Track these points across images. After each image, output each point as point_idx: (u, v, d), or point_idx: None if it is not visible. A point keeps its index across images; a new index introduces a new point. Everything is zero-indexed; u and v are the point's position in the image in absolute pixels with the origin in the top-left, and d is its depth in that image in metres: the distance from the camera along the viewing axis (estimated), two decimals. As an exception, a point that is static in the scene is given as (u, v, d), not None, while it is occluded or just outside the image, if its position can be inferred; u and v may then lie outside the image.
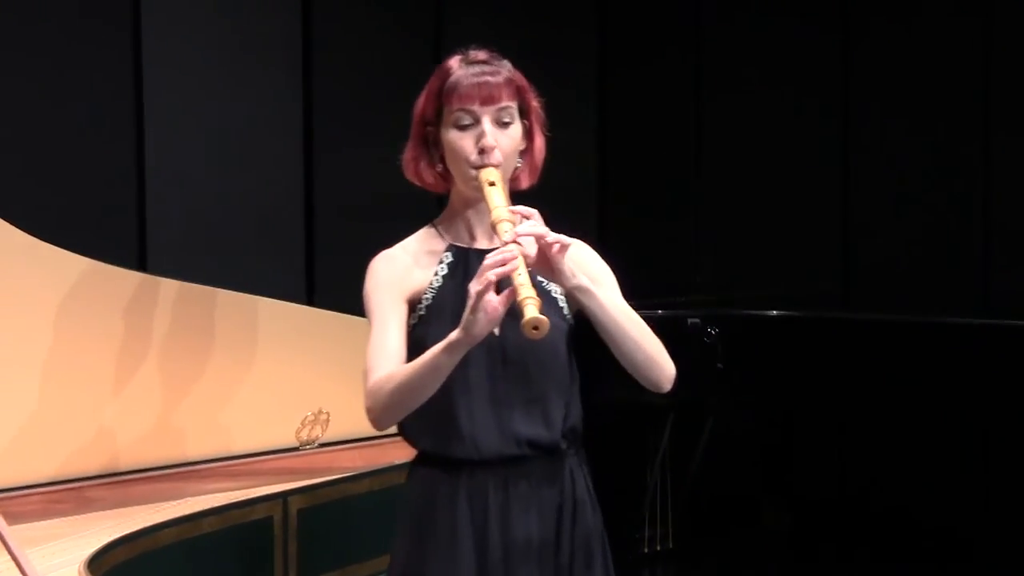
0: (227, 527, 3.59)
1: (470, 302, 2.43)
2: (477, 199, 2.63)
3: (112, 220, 5.07)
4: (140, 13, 5.09)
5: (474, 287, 2.43)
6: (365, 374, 2.59)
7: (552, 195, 7.13)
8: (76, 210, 4.91)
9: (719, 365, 5.14)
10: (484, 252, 2.57)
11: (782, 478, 6.29)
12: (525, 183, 2.73)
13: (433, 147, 2.67)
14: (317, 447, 4.27)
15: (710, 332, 5.14)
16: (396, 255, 2.70)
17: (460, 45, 2.74)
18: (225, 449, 4.16)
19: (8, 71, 4.79)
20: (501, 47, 6.07)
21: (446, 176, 2.68)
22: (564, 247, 2.50)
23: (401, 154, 2.71)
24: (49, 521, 3.48)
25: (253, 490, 3.79)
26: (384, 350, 2.59)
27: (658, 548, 5.88)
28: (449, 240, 2.70)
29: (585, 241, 2.71)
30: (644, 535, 5.86)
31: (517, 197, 2.66)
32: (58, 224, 4.52)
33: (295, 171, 5.53)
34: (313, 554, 3.79)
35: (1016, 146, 5.81)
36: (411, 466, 2.73)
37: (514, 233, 2.47)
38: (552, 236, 2.50)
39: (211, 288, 4.15)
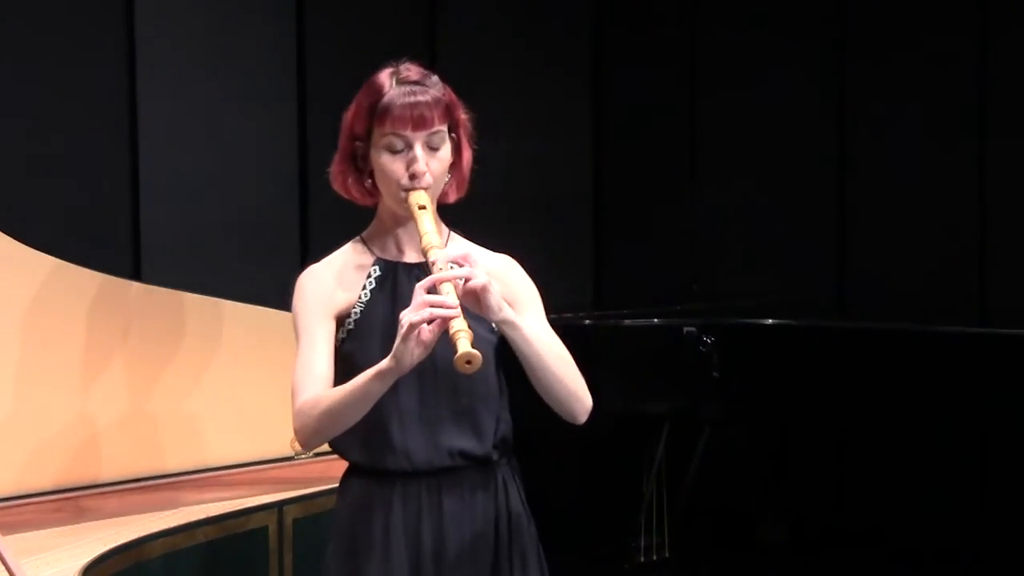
0: (222, 537, 3.59)
1: (401, 331, 2.42)
2: (407, 216, 2.63)
3: (106, 229, 5.06)
4: (134, 19, 5.09)
5: (408, 318, 2.42)
6: (292, 393, 2.61)
7: (548, 203, 7.14)
8: (70, 219, 4.90)
9: (715, 374, 5.13)
10: (413, 266, 2.62)
11: (778, 488, 6.29)
12: (453, 197, 2.73)
13: (361, 161, 2.67)
14: (312, 456, 4.26)
15: (706, 341, 5.13)
16: (322, 271, 2.71)
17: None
18: (220, 459, 4.15)
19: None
20: (495, 55, 6.11)
21: (374, 191, 2.68)
22: (487, 289, 2.49)
23: (328, 166, 2.72)
24: (44, 531, 3.48)
25: (248, 500, 3.79)
26: (311, 370, 2.60)
27: (654, 558, 5.88)
28: (377, 254, 2.70)
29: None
30: (640, 544, 5.85)
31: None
32: (53, 234, 4.53)
33: (290, 178, 5.52)
34: (308, 564, 3.78)
35: (1012, 153, 5.80)
36: (342, 478, 2.75)
37: (445, 265, 2.47)
38: (477, 280, 2.48)
39: (208, 297, 4.15)
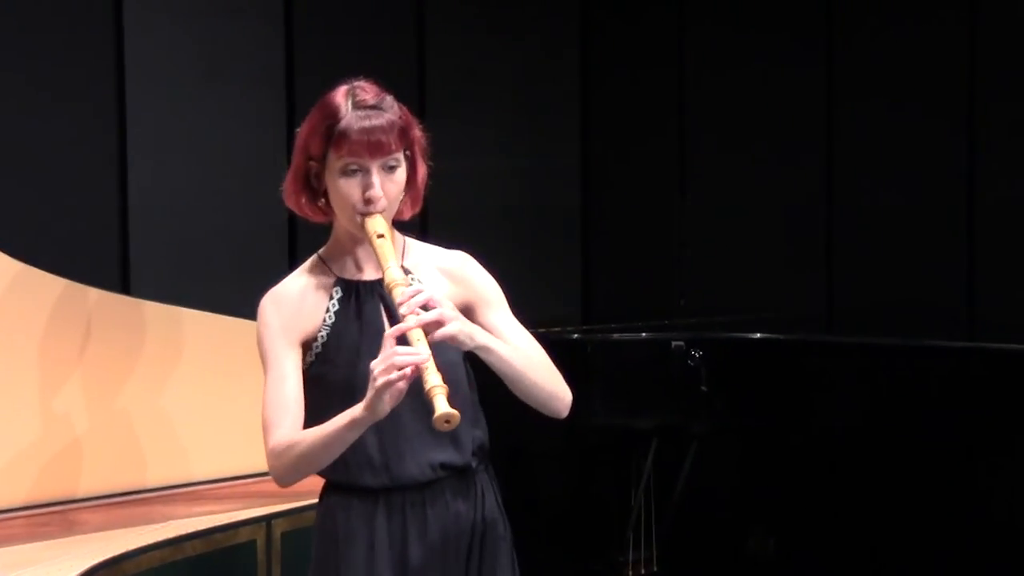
0: (211, 551, 3.59)
1: (375, 385, 2.40)
2: (363, 235, 2.62)
3: (95, 243, 5.06)
4: (123, 33, 5.10)
5: (381, 374, 2.39)
6: (264, 427, 2.59)
7: (536, 217, 7.11)
8: (59, 234, 4.90)
9: (703, 388, 5.14)
10: (374, 283, 2.61)
11: (767, 501, 6.29)
12: (408, 214, 2.72)
13: (315, 180, 2.65)
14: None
15: (694, 355, 5.13)
16: (283, 297, 2.67)
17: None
18: (209, 472, 4.15)
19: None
20: (483, 73, 6.08)
21: (327, 210, 2.67)
22: (458, 331, 2.49)
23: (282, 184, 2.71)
24: (33, 544, 3.47)
25: (236, 513, 3.78)
26: (283, 403, 2.58)
27: (643, 572, 5.88)
28: (336, 273, 2.69)
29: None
30: (629, 559, 5.85)
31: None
32: (43, 248, 4.52)
33: (278, 191, 5.52)
34: (297, 577, 3.79)
35: (1002, 166, 5.81)
36: (322, 494, 2.73)
37: (411, 306, 2.45)
38: (448, 328, 2.46)
39: (197, 311, 4.15)
